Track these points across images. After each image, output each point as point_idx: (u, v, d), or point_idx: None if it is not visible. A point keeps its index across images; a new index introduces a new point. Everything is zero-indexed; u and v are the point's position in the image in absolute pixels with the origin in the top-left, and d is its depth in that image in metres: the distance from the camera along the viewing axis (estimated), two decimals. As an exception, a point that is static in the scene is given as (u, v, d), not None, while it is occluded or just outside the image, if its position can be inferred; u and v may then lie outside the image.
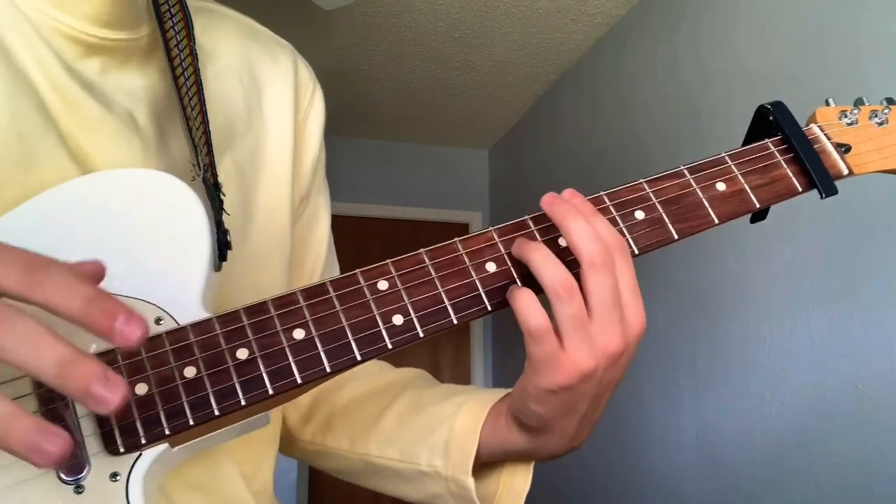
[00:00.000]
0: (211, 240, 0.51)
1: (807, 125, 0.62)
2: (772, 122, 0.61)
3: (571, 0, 2.80)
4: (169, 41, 0.58)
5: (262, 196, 0.65)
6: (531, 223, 0.55)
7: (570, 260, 0.51)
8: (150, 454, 0.45)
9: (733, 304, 2.14)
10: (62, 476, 0.43)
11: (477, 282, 0.52)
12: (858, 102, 0.63)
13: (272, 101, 0.68)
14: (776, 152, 0.60)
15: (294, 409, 0.75)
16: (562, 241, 0.54)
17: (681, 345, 2.34)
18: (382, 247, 3.83)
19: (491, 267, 0.53)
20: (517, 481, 0.62)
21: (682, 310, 2.34)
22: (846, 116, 0.62)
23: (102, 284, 0.41)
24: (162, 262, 0.49)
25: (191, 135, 0.57)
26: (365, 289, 0.51)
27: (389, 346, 0.49)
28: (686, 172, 0.58)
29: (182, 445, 0.47)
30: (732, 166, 0.58)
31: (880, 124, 0.63)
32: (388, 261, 0.52)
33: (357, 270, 0.51)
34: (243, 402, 0.46)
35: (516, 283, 0.52)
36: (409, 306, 0.50)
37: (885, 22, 1.67)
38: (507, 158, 4.26)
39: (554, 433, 0.54)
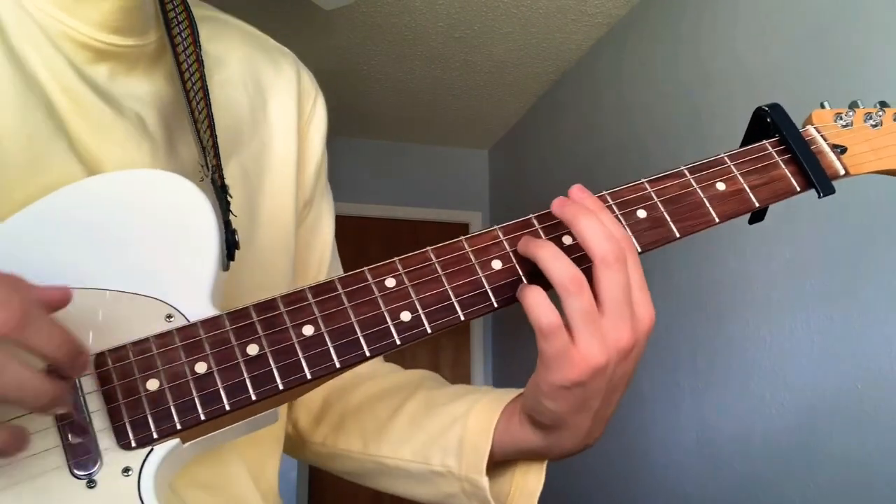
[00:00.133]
0: (220, 239, 0.52)
1: (803, 127, 0.64)
2: (769, 123, 0.62)
3: (571, 0, 2.80)
4: (176, 47, 0.59)
5: (267, 200, 0.66)
6: (536, 221, 0.55)
7: (574, 257, 0.51)
8: (162, 449, 0.45)
9: (733, 304, 2.14)
10: (75, 471, 0.43)
11: (483, 279, 0.53)
12: (853, 105, 0.65)
13: (276, 108, 0.70)
14: (774, 153, 0.61)
15: (305, 411, 0.75)
16: (565, 240, 0.55)
17: (681, 345, 2.34)
18: (382, 247, 3.83)
19: (497, 264, 0.53)
20: (530, 480, 0.62)
21: (682, 310, 2.35)
22: (841, 119, 0.64)
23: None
24: (172, 260, 0.50)
25: (199, 137, 0.58)
26: (373, 286, 0.51)
27: (398, 342, 0.50)
28: (686, 172, 0.59)
29: (193, 441, 0.47)
30: (732, 166, 0.60)
31: (875, 126, 0.64)
32: (395, 259, 0.53)
33: (365, 268, 0.52)
34: (254, 398, 0.47)
35: (522, 280, 0.53)
36: (417, 303, 0.51)
37: (885, 22, 1.67)
38: (507, 158, 4.26)
39: (567, 430, 0.54)
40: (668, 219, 0.56)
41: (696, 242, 2.37)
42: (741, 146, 0.62)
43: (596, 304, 0.50)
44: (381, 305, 0.51)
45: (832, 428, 1.75)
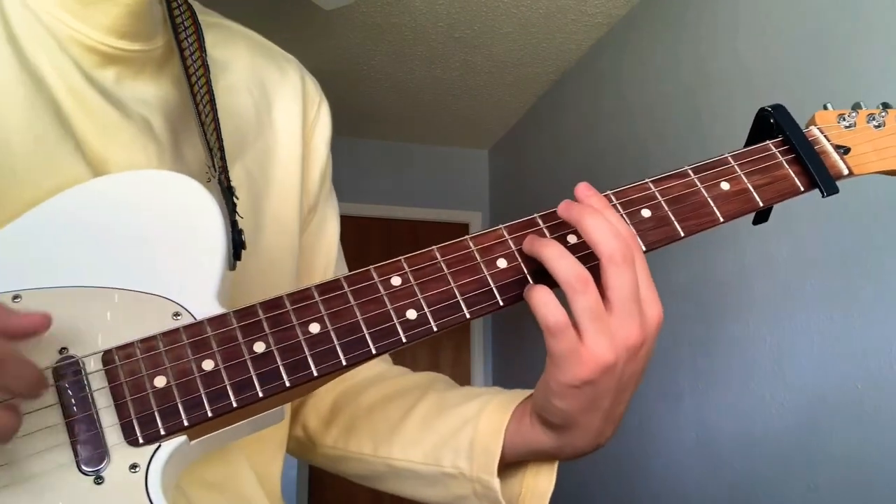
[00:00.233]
0: (226, 238, 0.52)
1: (806, 128, 0.64)
2: (772, 124, 0.63)
3: (571, 0, 2.81)
4: (183, 51, 0.60)
5: (272, 204, 0.67)
6: (540, 221, 0.56)
7: (579, 256, 0.52)
8: (169, 446, 0.45)
9: (733, 304, 2.14)
10: (83, 467, 0.43)
11: (488, 277, 0.53)
12: (856, 106, 0.65)
13: (281, 113, 0.70)
14: (778, 153, 0.61)
15: (315, 414, 0.75)
16: (570, 239, 0.55)
17: (681, 345, 2.34)
18: (382, 247, 3.84)
19: (502, 263, 0.54)
20: (541, 481, 0.61)
21: (682, 310, 2.35)
22: (844, 120, 0.64)
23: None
24: (179, 259, 0.51)
25: (206, 139, 0.58)
26: (379, 284, 0.52)
27: (404, 340, 0.50)
28: (690, 172, 0.59)
29: (200, 439, 0.47)
30: (735, 166, 0.60)
31: (877, 127, 0.64)
32: (400, 258, 0.53)
33: (370, 267, 0.52)
34: (260, 395, 0.47)
35: (527, 279, 0.53)
36: (423, 301, 0.51)
37: (885, 22, 1.68)
38: (507, 158, 4.26)
39: (579, 430, 0.54)
40: (673, 218, 0.57)
41: (696, 242, 2.37)
42: (745, 147, 0.62)
43: (604, 303, 0.50)
44: (387, 303, 0.51)
45: (832, 428, 1.75)
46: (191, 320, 0.48)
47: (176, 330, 0.48)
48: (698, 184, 0.58)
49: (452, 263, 0.53)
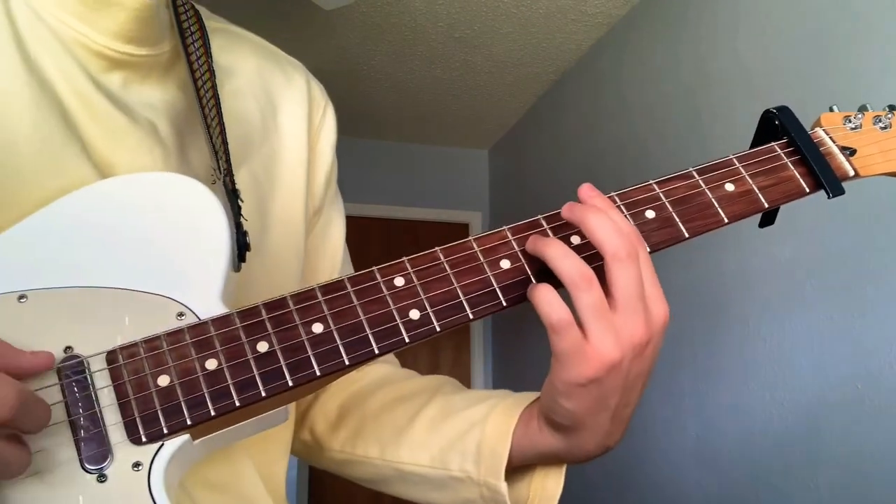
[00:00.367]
0: (231, 239, 0.52)
1: (811, 129, 0.64)
2: (777, 126, 0.62)
3: (571, 0, 2.81)
4: (190, 56, 0.60)
5: (277, 206, 0.67)
6: (544, 222, 0.56)
7: (584, 256, 0.52)
8: (172, 445, 0.46)
9: (734, 304, 2.15)
10: (86, 465, 0.44)
11: (491, 278, 0.53)
12: (862, 108, 0.65)
13: (286, 117, 0.71)
14: (783, 154, 0.61)
15: (323, 417, 0.75)
16: (574, 240, 0.55)
17: (682, 344, 2.35)
18: (382, 247, 3.83)
19: (505, 264, 0.54)
20: (549, 485, 0.61)
21: (682, 309, 2.35)
22: (850, 121, 0.64)
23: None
24: (184, 260, 0.51)
25: (211, 142, 0.58)
26: (382, 285, 0.52)
27: (406, 340, 0.50)
28: (695, 173, 0.59)
29: (203, 438, 0.47)
30: (740, 167, 0.60)
31: (884, 129, 0.64)
32: (404, 258, 0.53)
33: (374, 267, 0.53)
34: (263, 394, 0.47)
35: (530, 279, 0.53)
36: (426, 301, 0.51)
37: (886, 22, 1.68)
38: (507, 158, 4.27)
39: (587, 431, 0.53)
40: (677, 219, 0.57)
41: (697, 243, 2.35)
42: (749, 149, 0.62)
43: (609, 302, 0.50)
44: (390, 304, 0.51)
45: (832, 428, 1.75)
46: (195, 320, 0.49)
47: (180, 329, 0.48)
48: (703, 185, 0.58)
49: (456, 264, 0.53)
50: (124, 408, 0.45)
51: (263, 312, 0.49)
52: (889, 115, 0.65)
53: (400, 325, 0.51)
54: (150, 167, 0.55)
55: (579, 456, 0.56)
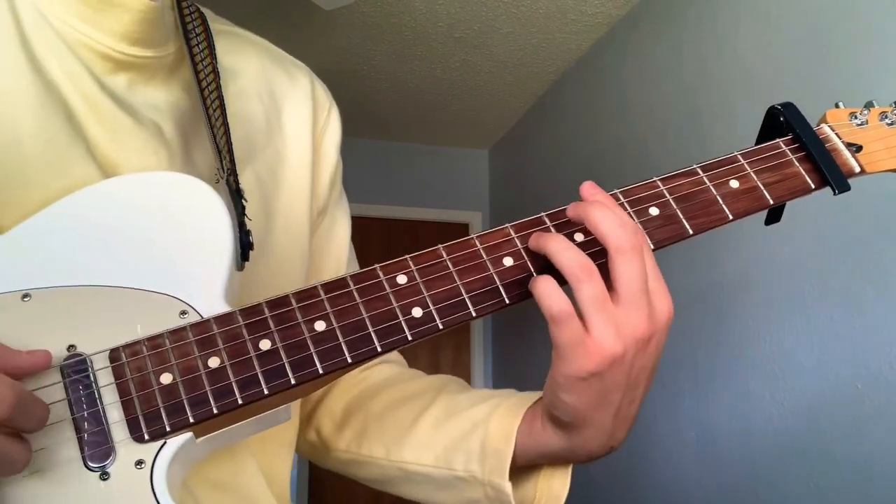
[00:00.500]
0: (233, 239, 0.52)
1: (817, 126, 0.64)
2: (782, 122, 0.62)
3: (571, 0, 2.81)
4: (194, 57, 0.60)
5: (282, 207, 0.67)
6: (547, 220, 0.56)
7: (587, 254, 0.52)
8: (175, 443, 0.46)
9: (733, 304, 2.15)
10: (89, 463, 0.44)
11: (494, 275, 0.53)
12: (868, 105, 0.65)
13: (291, 118, 0.71)
14: (787, 151, 0.61)
15: (328, 418, 0.75)
16: (577, 237, 0.55)
17: (681, 345, 2.35)
18: (382, 247, 3.83)
19: (508, 261, 0.54)
20: (555, 485, 0.61)
21: (681, 310, 2.34)
22: (856, 118, 0.64)
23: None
24: (187, 259, 0.51)
25: (215, 141, 0.59)
26: (384, 282, 0.52)
27: (409, 338, 0.50)
28: (699, 170, 0.59)
29: (206, 437, 0.47)
30: (745, 164, 0.59)
31: (890, 125, 0.64)
32: (406, 256, 0.53)
33: (376, 265, 0.53)
34: (266, 392, 0.47)
35: (533, 276, 0.53)
36: (428, 299, 0.51)
37: (886, 22, 1.68)
38: (507, 158, 4.27)
39: (590, 428, 0.53)
40: (681, 216, 0.56)
41: (697, 242, 2.36)
42: (755, 145, 0.62)
43: (612, 296, 0.50)
44: (393, 301, 0.51)
45: (832, 428, 1.75)
46: (197, 318, 0.49)
47: (182, 328, 0.48)
48: (707, 182, 0.58)
49: (458, 262, 0.53)
50: (127, 406, 0.45)
51: (266, 310, 0.49)
52: (895, 112, 0.65)
53: (402, 322, 0.51)
54: (154, 168, 0.55)
55: (583, 455, 0.56)
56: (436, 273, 0.52)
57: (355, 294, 0.51)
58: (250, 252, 0.55)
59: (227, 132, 0.59)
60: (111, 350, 0.46)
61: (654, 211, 0.56)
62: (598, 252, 0.52)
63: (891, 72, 1.65)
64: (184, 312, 0.49)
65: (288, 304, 0.50)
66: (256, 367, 0.48)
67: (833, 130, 0.63)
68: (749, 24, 2.16)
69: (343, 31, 3.07)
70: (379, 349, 0.50)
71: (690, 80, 2.45)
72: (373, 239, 4.05)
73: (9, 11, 0.52)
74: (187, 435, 0.46)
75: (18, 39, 0.52)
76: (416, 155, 4.40)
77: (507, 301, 0.53)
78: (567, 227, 0.55)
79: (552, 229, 0.55)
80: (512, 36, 3.10)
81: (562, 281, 0.50)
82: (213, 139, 0.59)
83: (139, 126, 0.55)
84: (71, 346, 0.46)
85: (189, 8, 0.63)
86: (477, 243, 0.54)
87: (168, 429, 0.45)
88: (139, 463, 0.45)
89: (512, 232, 0.55)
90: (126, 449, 0.45)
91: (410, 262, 0.53)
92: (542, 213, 0.56)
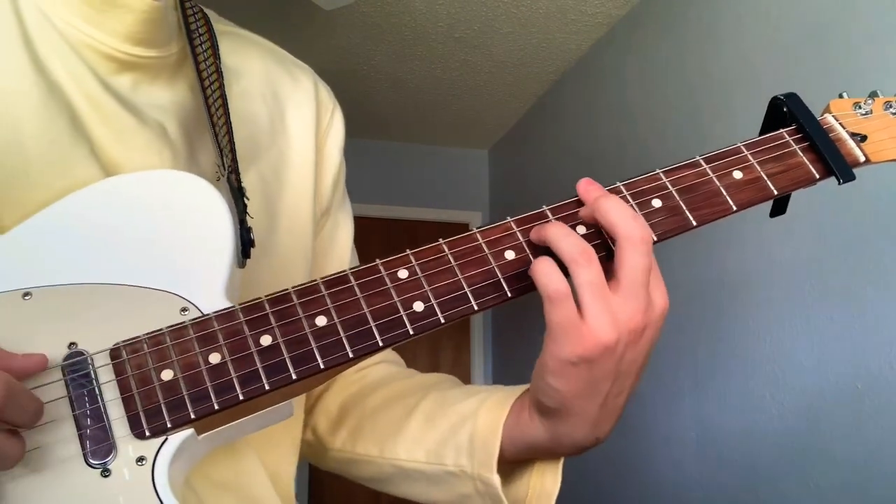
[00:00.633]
0: (234, 236, 0.52)
1: (820, 116, 0.63)
2: (786, 113, 0.61)
3: (571, 0, 2.81)
4: (198, 57, 0.61)
5: (285, 208, 0.67)
6: (549, 213, 0.56)
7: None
8: (176, 439, 0.45)
9: (733, 303, 2.14)
10: (90, 460, 0.44)
11: (496, 269, 0.53)
12: (873, 94, 0.64)
13: (294, 119, 0.71)
14: (791, 141, 0.60)
15: (324, 417, 0.75)
16: (579, 230, 0.55)
17: (681, 344, 2.35)
18: (382, 247, 3.82)
19: (510, 255, 0.53)
20: (547, 481, 0.61)
21: (682, 309, 2.35)
22: (860, 108, 0.63)
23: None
24: (187, 256, 0.51)
25: (217, 140, 0.59)
26: (385, 277, 0.52)
27: (411, 332, 0.50)
28: (702, 162, 0.58)
29: (207, 434, 0.47)
30: (748, 155, 0.59)
31: (895, 114, 0.63)
32: (407, 251, 0.53)
33: (377, 261, 0.52)
34: (267, 387, 0.47)
35: None
36: (430, 293, 0.51)
37: (886, 22, 1.68)
38: (507, 158, 4.26)
39: (574, 417, 0.53)
40: (685, 207, 0.56)
41: (697, 242, 2.37)
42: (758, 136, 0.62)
43: (611, 285, 0.50)
44: (394, 296, 0.51)
45: (832, 427, 1.75)
46: (198, 315, 0.49)
47: (183, 324, 0.48)
48: (710, 173, 0.58)
49: (460, 256, 0.53)
50: (128, 402, 0.45)
51: (267, 306, 0.49)
52: None
53: (404, 316, 0.50)
54: (158, 167, 0.55)
55: (568, 446, 0.56)
56: (437, 267, 0.52)
57: (356, 289, 0.51)
58: (253, 252, 0.55)
59: (229, 130, 0.59)
60: (112, 347, 0.46)
61: (657, 203, 0.56)
62: (598, 245, 0.52)
63: (891, 71, 1.64)
64: (184, 309, 0.49)
65: (289, 300, 0.50)
66: (257, 362, 0.47)
67: (837, 120, 0.62)
68: (750, 24, 2.16)
69: (343, 31, 3.07)
70: (380, 343, 0.50)
71: (690, 80, 2.45)
72: (373, 239, 4.03)
73: (12, 13, 0.52)
74: (188, 431, 0.46)
75: (22, 40, 0.52)
76: (416, 155, 4.40)
77: (509, 294, 0.52)
78: (569, 220, 0.55)
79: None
80: (512, 36, 3.10)
81: (564, 273, 0.50)
82: (214, 137, 0.59)
83: (143, 126, 0.55)
84: (72, 344, 0.46)
85: (192, 8, 0.63)
86: (478, 237, 0.54)
87: (169, 425, 0.45)
88: (140, 459, 0.44)
89: (514, 226, 0.55)
90: (127, 445, 0.44)
91: (411, 257, 0.53)
92: (545, 207, 0.56)
